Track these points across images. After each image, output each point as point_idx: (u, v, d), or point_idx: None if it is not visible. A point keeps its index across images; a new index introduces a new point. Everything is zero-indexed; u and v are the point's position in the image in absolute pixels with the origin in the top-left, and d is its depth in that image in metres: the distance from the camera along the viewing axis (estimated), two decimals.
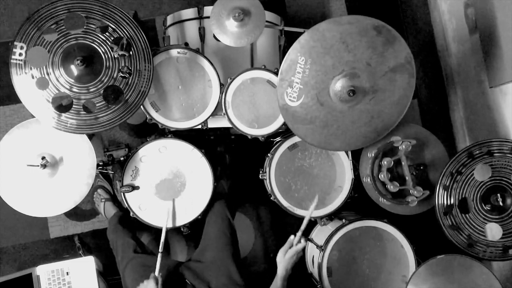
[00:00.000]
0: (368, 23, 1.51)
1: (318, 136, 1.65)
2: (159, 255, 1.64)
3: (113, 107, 1.55)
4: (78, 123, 1.55)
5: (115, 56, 1.52)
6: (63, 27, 1.50)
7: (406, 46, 1.53)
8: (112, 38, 1.52)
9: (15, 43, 1.47)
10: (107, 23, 1.51)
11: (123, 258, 1.78)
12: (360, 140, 1.67)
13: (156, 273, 1.59)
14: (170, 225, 1.82)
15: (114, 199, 2.19)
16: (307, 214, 1.60)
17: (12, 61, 1.49)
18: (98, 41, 1.52)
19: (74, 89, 1.53)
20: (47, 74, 1.51)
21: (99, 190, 2.19)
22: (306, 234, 2.08)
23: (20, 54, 1.49)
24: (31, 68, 1.50)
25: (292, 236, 1.59)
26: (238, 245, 1.82)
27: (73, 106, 1.53)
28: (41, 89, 1.52)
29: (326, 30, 1.52)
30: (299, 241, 1.56)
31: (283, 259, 1.55)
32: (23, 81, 1.51)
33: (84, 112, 1.54)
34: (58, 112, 1.54)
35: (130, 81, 1.54)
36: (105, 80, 1.53)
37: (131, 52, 1.52)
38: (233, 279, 1.65)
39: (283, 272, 1.54)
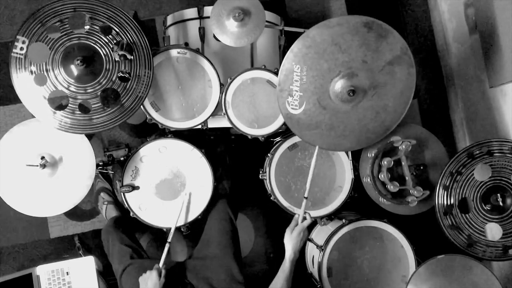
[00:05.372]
0: (357, 21, 1.51)
1: (327, 139, 1.65)
2: (167, 245, 1.63)
3: (109, 109, 1.54)
4: (72, 122, 1.55)
5: (116, 57, 1.52)
6: (67, 25, 1.50)
7: (400, 37, 1.53)
8: (115, 41, 1.52)
9: (18, 37, 1.47)
10: (112, 26, 1.51)
11: (119, 265, 1.76)
12: (370, 136, 1.67)
13: (161, 264, 1.58)
14: (181, 221, 1.83)
15: (117, 201, 2.19)
16: (309, 175, 1.61)
17: (12, 54, 1.49)
18: (100, 43, 1.52)
19: (72, 88, 1.52)
20: (46, 71, 1.51)
21: (102, 194, 2.19)
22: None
23: (22, 49, 1.48)
24: (30, 63, 1.50)
25: (297, 214, 1.62)
26: (239, 243, 1.82)
27: (69, 105, 1.53)
28: (39, 85, 1.51)
29: (317, 35, 1.52)
30: (304, 218, 1.59)
31: (291, 238, 1.55)
32: (21, 75, 1.51)
33: (79, 112, 1.54)
34: (53, 110, 1.53)
35: (128, 86, 1.54)
36: (104, 82, 1.53)
37: (132, 57, 1.52)
38: (234, 276, 1.66)
39: (292, 255, 1.54)
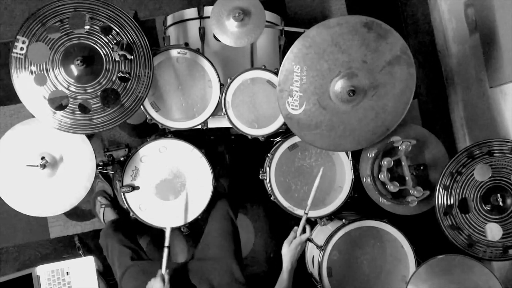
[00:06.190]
0: (357, 21, 1.51)
1: (327, 140, 1.65)
2: (165, 250, 1.61)
3: (109, 109, 1.54)
4: (72, 122, 1.54)
5: (116, 57, 1.52)
6: (67, 25, 1.50)
7: (400, 37, 1.53)
8: (115, 41, 1.52)
9: (18, 37, 1.47)
10: (112, 26, 1.51)
11: (120, 267, 1.75)
12: (370, 137, 1.67)
13: (163, 270, 1.58)
14: (181, 221, 1.81)
15: (114, 204, 2.19)
16: (311, 195, 1.61)
17: (12, 54, 1.49)
18: (100, 43, 1.52)
19: (72, 88, 1.52)
20: (46, 71, 1.51)
21: (99, 198, 2.18)
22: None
23: (22, 49, 1.48)
24: (30, 63, 1.50)
25: (296, 227, 1.62)
26: (240, 243, 1.82)
27: (69, 105, 1.53)
28: (39, 85, 1.51)
29: (317, 35, 1.52)
30: (303, 232, 1.60)
31: (289, 250, 1.56)
32: (21, 75, 1.50)
33: (79, 112, 1.54)
34: (53, 110, 1.53)
35: (128, 86, 1.54)
36: (104, 82, 1.53)
37: (132, 57, 1.52)
38: (236, 277, 1.65)
39: (289, 266, 1.56)
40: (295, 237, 1.59)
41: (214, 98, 1.76)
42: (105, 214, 2.15)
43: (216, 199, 1.88)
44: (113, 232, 1.90)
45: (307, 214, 1.62)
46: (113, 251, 1.82)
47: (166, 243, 1.63)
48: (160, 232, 1.90)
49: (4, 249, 2.25)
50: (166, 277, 1.54)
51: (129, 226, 2.02)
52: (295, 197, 1.84)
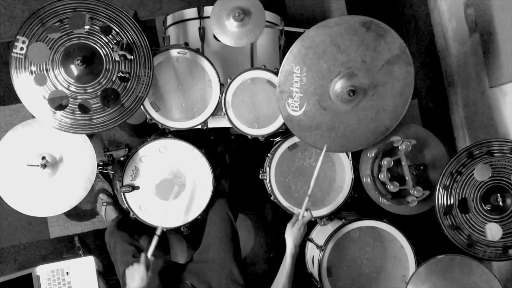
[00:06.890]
0: (355, 21, 1.51)
1: (327, 140, 1.65)
2: (155, 238, 1.63)
3: (109, 109, 1.54)
4: (72, 122, 1.55)
5: (116, 57, 1.52)
6: (67, 25, 1.50)
7: (398, 36, 1.53)
8: (115, 41, 1.52)
9: (18, 37, 1.47)
10: (112, 26, 1.51)
11: (121, 264, 1.75)
12: (370, 136, 1.67)
13: (149, 254, 1.58)
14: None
15: (116, 202, 2.19)
16: (311, 183, 1.63)
17: (12, 54, 1.49)
18: (100, 43, 1.52)
19: (72, 88, 1.52)
20: (46, 71, 1.51)
21: (101, 195, 2.19)
22: (307, 234, 2.09)
23: (22, 49, 1.49)
24: (30, 63, 1.50)
25: (298, 210, 1.66)
26: (239, 244, 1.82)
27: (69, 105, 1.53)
28: (39, 85, 1.51)
29: (316, 36, 1.52)
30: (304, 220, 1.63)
31: (292, 232, 1.59)
32: (21, 75, 1.51)
33: (79, 112, 1.54)
34: (53, 110, 1.53)
35: (128, 86, 1.54)
36: (104, 82, 1.53)
37: (132, 57, 1.52)
38: (235, 279, 1.66)
39: (293, 249, 1.58)
40: (297, 220, 1.62)
41: (214, 98, 1.76)
42: (107, 212, 2.15)
43: (215, 199, 1.88)
44: (117, 231, 1.92)
45: (309, 196, 1.64)
46: (116, 249, 1.83)
47: (158, 232, 1.65)
48: (161, 231, 1.90)
49: (4, 249, 2.25)
50: (150, 264, 1.54)
51: (131, 225, 2.02)
52: (295, 197, 1.84)
